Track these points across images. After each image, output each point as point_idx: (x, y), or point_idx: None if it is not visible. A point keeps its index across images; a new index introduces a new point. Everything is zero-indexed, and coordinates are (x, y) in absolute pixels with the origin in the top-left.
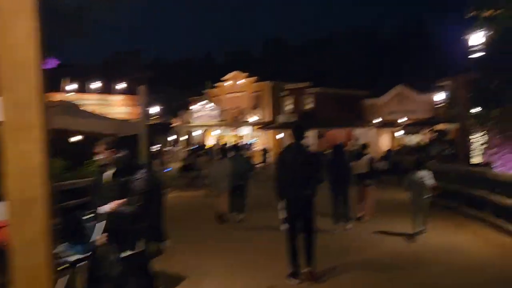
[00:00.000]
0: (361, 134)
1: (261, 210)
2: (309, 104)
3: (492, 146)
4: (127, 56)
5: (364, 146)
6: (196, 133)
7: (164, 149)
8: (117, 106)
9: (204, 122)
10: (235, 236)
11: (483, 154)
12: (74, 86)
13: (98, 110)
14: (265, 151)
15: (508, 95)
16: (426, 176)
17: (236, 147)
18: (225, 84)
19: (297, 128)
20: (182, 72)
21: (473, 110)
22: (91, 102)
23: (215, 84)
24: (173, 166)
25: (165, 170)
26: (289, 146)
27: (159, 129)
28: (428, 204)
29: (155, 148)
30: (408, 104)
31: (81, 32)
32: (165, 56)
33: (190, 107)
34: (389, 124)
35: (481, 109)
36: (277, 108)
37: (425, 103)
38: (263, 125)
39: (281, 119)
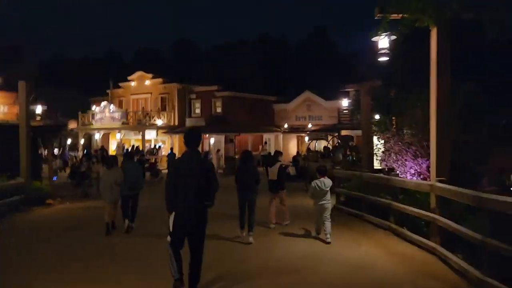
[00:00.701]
0: (270, 139)
1: (156, 219)
2: (218, 108)
3: (393, 152)
4: (4, 51)
5: (278, 153)
6: (97, 136)
7: (54, 154)
8: None
9: (106, 125)
10: (115, 249)
11: (383, 160)
12: None
13: None
14: (171, 155)
15: (405, 103)
16: (327, 183)
17: (128, 153)
18: (131, 84)
19: (190, 134)
20: (86, 71)
21: (376, 117)
22: None
23: (120, 84)
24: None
25: (53, 179)
26: (183, 154)
27: (48, 132)
28: (329, 210)
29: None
30: (315, 110)
31: None
32: (68, 54)
33: (91, 108)
34: (297, 130)
35: (380, 116)
36: (185, 112)
37: (331, 109)
38: (169, 129)
39: (189, 123)
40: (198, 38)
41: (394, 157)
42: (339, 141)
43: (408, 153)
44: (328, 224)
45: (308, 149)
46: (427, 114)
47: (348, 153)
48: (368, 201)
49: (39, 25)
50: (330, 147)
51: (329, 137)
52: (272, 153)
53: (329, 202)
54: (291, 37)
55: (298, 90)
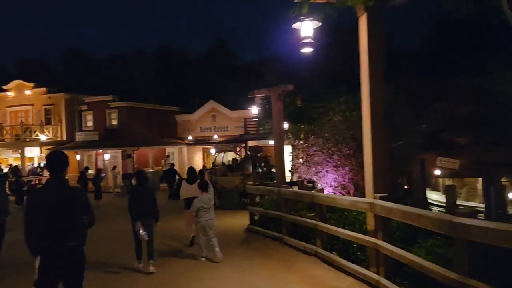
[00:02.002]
0: (174, 152)
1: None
2: (113, 120)
3: (312, 163)
4: None
5: (201, 172)
6: None
7: None
8: None
9: None
10: None
11: (296, 171)
12: None
13: None
14: None
15: (323, 108)
16: (210, 198)
17: None
18: (7, 95)
19: (52, 157)
20: None
21: (285, 125)
22: None
23: None
24: None
25: None
26: (46, 182)
27: None
28: (213, 226)
29: None
30: (220, 120)
31: None
32: None
33: None
34: (202, 141)
35: (292, 124)
36: (74, 125)
37: (237, 119)
38: (56, 145)
39: (80, 137)
40: (91, 49)
41: (314, 169)
42: (248, 152)
43: (329, 163)
44: (215, 241)
45: (214, 162)
46: (354, 119)
47: (257, 165)
48: (289, 222)
49: None
50: (238, 159)
51: (237, 149)
52: (175, 168)
53: (212, 219)
54: (191, 49)
55: (202, 101)
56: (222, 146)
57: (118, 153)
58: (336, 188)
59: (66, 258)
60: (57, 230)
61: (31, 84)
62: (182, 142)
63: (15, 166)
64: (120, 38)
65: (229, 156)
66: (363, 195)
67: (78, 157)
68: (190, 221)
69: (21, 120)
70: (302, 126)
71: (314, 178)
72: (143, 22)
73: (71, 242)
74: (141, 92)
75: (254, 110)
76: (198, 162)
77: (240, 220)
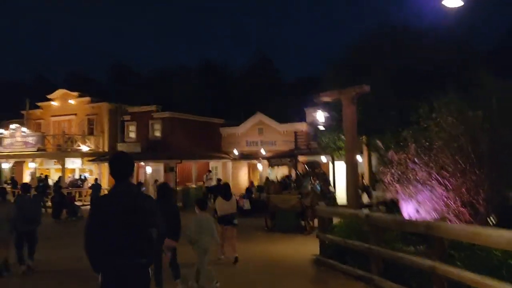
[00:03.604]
0: (218, 167)
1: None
2: (156, 132)
3: (404, 179)
4: None
5: (249, 189)
6: (6, 165)
7: None
8: None
9: (17, 151)
10: None
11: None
12: None
13: None
14: (97, 188)
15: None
16: (210, 220)
17: (26, 186)
18: (51, 104)
19: (117, 161)
20: (10, 96)
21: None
22: None
23: (38, 104)
24: None
25: None
26: (110, 189)
27: None
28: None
29: None
30: (268, 134)
31: None
32: None
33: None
34: (249, 156)
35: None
36: (116, 136)
37: (286, 133)
38: (97, 156)
39: (121, 148)
40: (136, 64)
41: (410, 187)
42: (306, 167)
43: (434, 180)
44: (212, 270)
45: (267, 178)
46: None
47: (315, 182)
48: (382, 257)
49: None
50: (294, 176)
51: (297, 165)
52: (215, 183)
53: (209, 242)
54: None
55: (246, 114)
56: (276, 161)
57: (160, 166)
58: (427, 213)
59: (130, 277)
60: (121, 244)
61: (75, 93)
62: (227, 156)
63: (59, 177)
64: (163, 53)
65: (278, 172)
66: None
67: None
68: (223, 238)
69: (64, 130)
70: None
71: (405, 198)
72: (186, 37)
73: (137, 258)
74: (184, 103)
75: (320, 117)
76: (243, 178)
77: (302, 248)
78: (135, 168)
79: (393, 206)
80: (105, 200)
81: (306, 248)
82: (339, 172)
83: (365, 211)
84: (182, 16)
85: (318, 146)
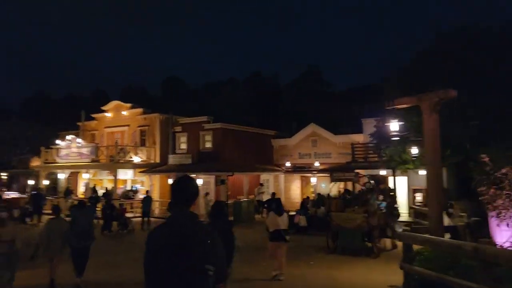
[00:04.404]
0: (269, 180)
1: None
2: (207, 143)
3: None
4: None
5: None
6: (62, 176)
7: None
8: None
9: (72, 162)
10: None
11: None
12: None
13: None
14: (147, 200)
15: None
16: None
17: (81, 204)
18: (105, 116)
19: (178, 186)
20: (66, 108)
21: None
22: None
23: (93, 116)
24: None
25: None
26: (168, 218)
27: None
28: None
29: None
30: (322, 146)
31: None
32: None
33: (56, 143)
34: (302, 169)
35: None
36: (167, 147)
37: (341, 145)
38: (149, 167)
39: (172, 160)
40: (188, 77)
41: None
42: (370, 182)
43: None
44: None
45: (320, 194)
46: None
47: (379, 199)
48: None
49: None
50: (354, 191)
51: (362, 179)
52: (268, 196)
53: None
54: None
55: (298, 126)
56: (339, 175)
57: (211, 178)
58: None
59: None
60: (174, 283)
61: (128, 105)
62: (279, 168)
63: (108, 190)
64: (214, 66)
65: (333, 186)
66: None
67: (170, 181)
68: (274, 255)
69: (116, 141)
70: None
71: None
72: (235, 51)
73: None
74: (233, 117)
75: (393, 127)
76: (295, 192)
77: (372, 275)
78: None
79: (478, 230)
80: (159, 230)
81: (377, 275)
82: (400, 188)
83: (450, 238)
84: (231, 30)
85: (379, 159)
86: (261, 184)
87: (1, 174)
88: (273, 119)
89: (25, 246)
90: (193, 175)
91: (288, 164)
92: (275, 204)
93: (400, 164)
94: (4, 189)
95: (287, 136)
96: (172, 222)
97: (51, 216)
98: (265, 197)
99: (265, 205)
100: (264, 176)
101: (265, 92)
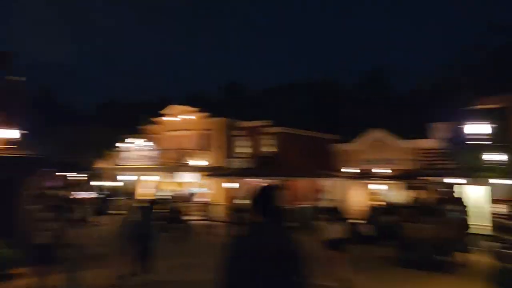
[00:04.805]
0: (329, 186)
1: None
2: (267, 147)
3: None
4: None
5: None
6: (124, 178)
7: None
8: None
9: (134, 165)
10: None
11: None
12: None
13: None
14: (209, 204)
15: None
16: None
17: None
18: (168, 119)
19: (263, 195)
20: (132, 113)
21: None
22: None
23: (155, 120)
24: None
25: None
26: (253, 226)
27: (25, 166)
28: None
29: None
30: (387, 151)
31: None
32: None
33: (122, 146)
34: (364, 175)
35: None
36: (229, 151)
37: (407, 151)
38: (211, 171)
39: (234, 164)
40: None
41: None
42: (445, 190)
43: None
44: None
45: (388, 202)
46: None
47: (454, 209)
48: None
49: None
50: (427, 199)
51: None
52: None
53: None
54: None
55: (360, 130)
56: (412, 183)
57: (270, 183)
58: None
59: None
60: None
61: (192, 109)
62: (339, 174)
63: (169, 192)
64: (273, 71)
65: (401, 194)
66: None
67: (231, 185)
68: (331, 264)
69: (179, 144)
70: None
71: None
72: (297, 55)
73: None
74: (295, 121)
75: (484, 129)
76: (356, 199)
77: None
78: (247, 184)
79: None
80: (246, 240)
81: None
82: (477, 198)
83: None
84: (292, 36)
85: (452, 166)
86: (321, 190)
87: (74, 175)
88: (333, 124)
89: (93, 245)
90: (253, 180)
91: (349, 170)
92: (334, 211)
93: (477, 171)
94: (77, 190)
95: (348, 141)
96: (254, 231)
97: (120, 216)
98: (324, 203)
99: (324, 212)
100: (324, 182)
101: (325, 97)
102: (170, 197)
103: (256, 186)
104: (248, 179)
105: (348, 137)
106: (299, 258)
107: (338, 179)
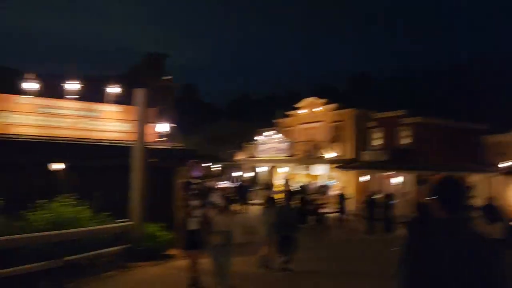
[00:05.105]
0: (479, 181)
1: None
2: (404, 139)
3: None
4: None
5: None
6: (261, 169)
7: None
8: (108, 120)
9: (270, 157)
10: None
11: None
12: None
13: (80, 124)
14: (341, 197)
15: None
16: None
17: (271, 198)
18: (299, 112)
19: (446, 186)
20: (265, 107)
21: None
22: (69, 112)
23: (287, 113)
24: None
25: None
26: (435, 222)
27: (179, 158)
28: None
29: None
30: None
31: None
32: (249, 91)
33: (256, 138)
34: None
35: None
36: (362, 143)
37: None
38: (343, 164)
39: (367, 156)
40: (374, 71)
41: None
42: None
43: None
44: None
45: None
46: None
47: None
48: None
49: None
50: None
51: None
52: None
53: None
54: (492, 62)
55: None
56: None
57: (409, 177)
58: None
59: None
60: None
61: (322, 101)
62: (491, 169)
63: (303, 185)
64: (404, 59)
65: None
66: None
67: (363, 178)
68: None
69: (310, 137)
70: None
71: None
72: (428, 39)
73: None
74: (434, 110)
75: None
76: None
77: None
78: (380, 178)
79: None
80: (428, 235)
81: None
82: None
83: None
84: (423, 22)
85: None
86: (469, 187)
87: (215, 166)
88: (479, 112)
89: (236, 233)
90: (388, 174)
91: (504, 164)
92: (489, 210)
93: None
94: (218, 180)
95: (503, 132)
96: (443, 227)
97: (258, 206)
98: (477, 201)
99: (480, 211)
100: (472, 178)
101: (468, 83)
102: (303, 189)
103: (436, 178)
104: (381, 172)
105: (502, 127)
106: (493, 263)
107: (490, 174)
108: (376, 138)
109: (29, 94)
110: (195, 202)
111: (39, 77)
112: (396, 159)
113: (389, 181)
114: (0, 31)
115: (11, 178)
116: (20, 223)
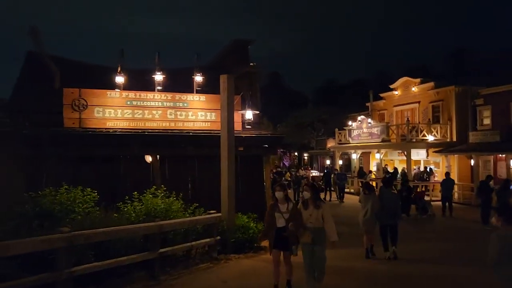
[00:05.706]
0: None
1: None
2: None
3: None
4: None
5: None
6: (354, 156)
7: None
8: (195, 110)
9: (363, 142)
10: None
11: None
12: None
13: (168, 115)
14: (446, 182)
15: None
16: None
17: (387, 179)
18: (393, 94)
19: None
20: (353, 92)
21: None
22: (156, 103)
23: (381, 95)
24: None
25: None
26: None
27: (268, 145)
28: None
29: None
30: None
31: None
32: (337, 77)
33: (348, 124)
34: None
35: None
36: (466, 123)
37: None
38: (445, 147)
39: (474, 138)
40: (475, 48)
41: None
42: None
43: None
44: None
45: None
46: None
47: None
48: None
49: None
50: None
51: None
52: None
53: None
54: None
55: None
56: None
57: None
58: None
59: None
60: None
61: (417, 80)
62: None
63: (403, 170)
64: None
65: None
66: None
67: (472, 162)
68: None
69: (407, 118)
70: None
71: None
72: None
73: None
74: None
75: None
76: None
77: None
78: (492, 161)
79: None
80: None
81: None
82: None
83: None
84: None
85: None
86: None
87: (304, 154)
88: None
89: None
90: (502, 156)
91: None
92: None
93: None
94: (308, 168)
95: None
96: None
97: (363, 194)
98: None
99: None
100: None
101: None
102: (405, 175)
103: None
104: (493, 155)
105: None
106: None
107: None
108: (485, 117)
109: (119, 89)
110: (282, 194)
111: (128, 71)
112: (510, 139)
113: (505, 164)
114: (93, 31)
115: (107, 170)
116: (115, 215)
